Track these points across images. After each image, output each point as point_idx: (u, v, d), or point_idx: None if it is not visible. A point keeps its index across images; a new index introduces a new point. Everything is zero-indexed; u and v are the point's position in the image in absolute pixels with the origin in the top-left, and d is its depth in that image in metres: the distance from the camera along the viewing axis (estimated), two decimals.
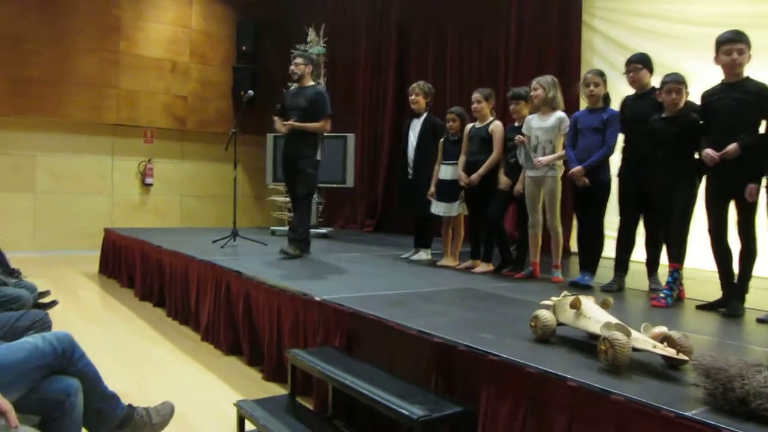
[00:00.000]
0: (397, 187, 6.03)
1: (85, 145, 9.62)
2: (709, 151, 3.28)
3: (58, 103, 9.36)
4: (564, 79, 5.10)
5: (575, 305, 2.44)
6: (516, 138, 4.41)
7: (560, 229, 4.37)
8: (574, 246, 5.93)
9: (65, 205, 9.43)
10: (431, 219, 5.30)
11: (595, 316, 2.37)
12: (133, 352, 4.22)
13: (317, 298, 3.33)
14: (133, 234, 7.00)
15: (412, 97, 5.35)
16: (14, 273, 4.72)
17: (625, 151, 4.09)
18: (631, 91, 4.08)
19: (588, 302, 2.46)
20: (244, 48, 10.63)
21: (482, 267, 4.77)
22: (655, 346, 2.13)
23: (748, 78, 3.33)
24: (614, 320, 2.25)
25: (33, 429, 1.54)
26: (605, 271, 4.20)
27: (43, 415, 1.87)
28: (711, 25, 4.50)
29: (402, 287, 3.95)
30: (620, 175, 4.08)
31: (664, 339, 2.20)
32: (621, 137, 4.09)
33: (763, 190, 3.25)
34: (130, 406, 2.27)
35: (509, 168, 4.62)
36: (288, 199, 9.07)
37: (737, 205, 3.34)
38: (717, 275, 3.47)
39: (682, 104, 3.53)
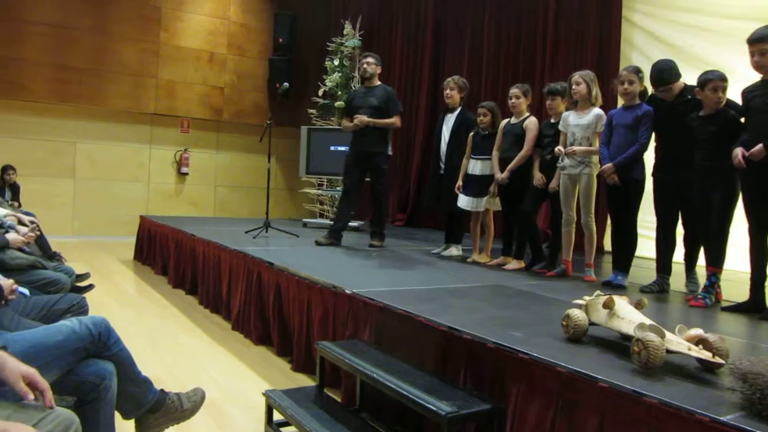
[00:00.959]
0: (428, 182, 6.02)
1: (124, 134, 9.82)
2: (737, 152, 3.18)
3: (98, 92, 9.56)
4: (602, 75, 5.02)
5: (608, 305, 2.39)
6: (556, 150, 4.33)
7: (594, 228, 4.31)
8: (607, 245, 5.83)
9: (103, 191, 9.64)
10: (462, 214, 5.27)
11: (628, 317, 2.32)
12: (165, 338, 4.30)
13: (347, 291, 3.33)
14: (168, 222, 7.10)
15: (447, 91, 5.30)
16: (55, 256, 4.84)
17: (659, 149, 3.99)
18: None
19: (622, 302, 2.42)
20: (280, 40, 10.69)
21: (513, 264, 4.73)
22: (690, 349, 2.08)
23: None
24: (648, 321, 2.21)
25: (68, 410, 1.56)
26: (638, 271, 4.12)
27: (78, 396, 1.91)
28: (753, 20, 4.36)
29: (432, 282, 3.94)
30: (654, 174, 3.99)
31: (699, 341, 2.14)
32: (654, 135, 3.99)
33: None
34: (162, 391, 2.30)
35: (545, 164, 4.57)
36: (320, 191, 9.15)
37: None
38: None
39: (723, 102, 3.44)
